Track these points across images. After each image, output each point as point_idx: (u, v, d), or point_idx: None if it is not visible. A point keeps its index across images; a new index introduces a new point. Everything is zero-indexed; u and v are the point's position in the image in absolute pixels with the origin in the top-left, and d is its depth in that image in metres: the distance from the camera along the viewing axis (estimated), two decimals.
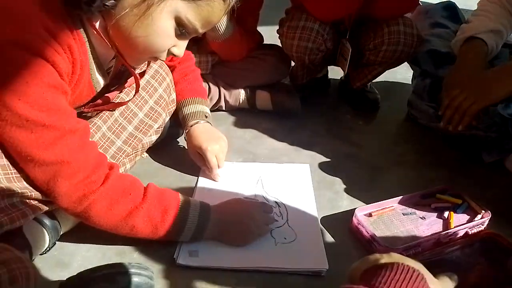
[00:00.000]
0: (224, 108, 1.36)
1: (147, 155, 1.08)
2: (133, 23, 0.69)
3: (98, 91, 0.83)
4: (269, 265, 0.80)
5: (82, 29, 0.70)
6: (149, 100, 0.97)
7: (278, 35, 1.32)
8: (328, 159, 1.16)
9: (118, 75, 0.89)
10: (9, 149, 0.67)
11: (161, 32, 0.71)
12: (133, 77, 0.85)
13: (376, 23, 1.28)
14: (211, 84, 1.32)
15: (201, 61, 1.30)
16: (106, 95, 0.88)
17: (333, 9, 1.20)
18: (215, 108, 1.35)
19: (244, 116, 1.34)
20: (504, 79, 1.03)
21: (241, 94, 1.35)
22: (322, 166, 1.12)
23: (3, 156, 0.67)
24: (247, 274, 0.79)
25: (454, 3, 1.41)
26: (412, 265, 0.45)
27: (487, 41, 1.13)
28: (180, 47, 0.77)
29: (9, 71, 0.62)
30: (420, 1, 1.31)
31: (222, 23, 1.17)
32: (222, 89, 1.33)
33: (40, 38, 0.63)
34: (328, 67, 1.55)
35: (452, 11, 1.37)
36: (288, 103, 1.32)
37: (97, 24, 0.72)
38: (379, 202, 0.93)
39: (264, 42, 1.43)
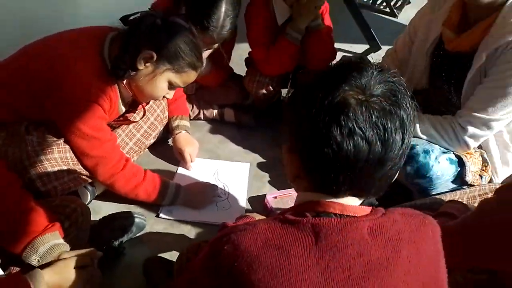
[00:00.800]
0: (202, 119, 1.97)
1: (147, 150, 1.69)
2: (145, 84, 1.28)
3: (121, 114, 1.44)
4: (212, 220, 1.43)
5: (116, 85, 1.30)
6: (151, 117, 1.58)
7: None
8: (265, 160, 1.77)
9: (133, 104, 1.48)
10: (75, 149, 1.27)
11: (160, 89, 1.31)
12: (141, 106, 1.46)
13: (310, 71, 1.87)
14: (194, 101, 1.92)
15: (188, 85, 1.88)
16: (125, 115, 1.48)
17: (277, 71, 1.81)
18: (196, 118, 1.95)
19: (215, 125, 1.95)
20: None
21: (214, 109, 1.95)
22: (259, 165, 1.74)
23: (71, 152, 1.28)
24: (198, 224, 1.42)
25: (366, 57, 1.98)
26: (256, 217, 1.06)
27: None
28: (170, 94, 1.37)
29: (80, 110, 1.22)
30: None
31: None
32: (201, 105, 1.93)
33: (96, 94, 1.22)
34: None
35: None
36: (245, 119, 1.92)
37: (124, 82, 1.31)
38: (283, 190, 1.54)
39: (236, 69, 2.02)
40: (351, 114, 0.60)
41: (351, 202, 0.68)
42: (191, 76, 1.32)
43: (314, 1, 1.65)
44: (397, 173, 0.70)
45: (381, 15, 3.10)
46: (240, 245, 0.65)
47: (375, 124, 0.61)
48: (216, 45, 1.63)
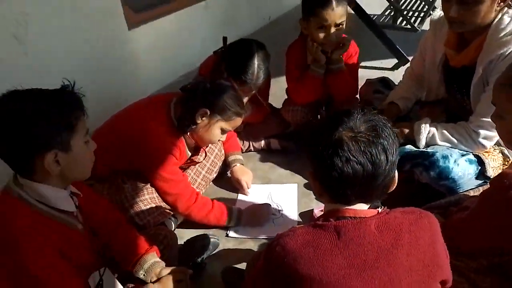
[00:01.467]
0: (253, 150, 2.30)
1: (212, 183, 2.04)
2: (203, 133, 1.65)
3: (188, 157, 1.81)
4: (271, 235, 1.72)
5: (182, 137, 1.67)
6: (211, 156, 1.94)
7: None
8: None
9: (196, 148, 1.85)
10: (158, 190, 1.65)
11: (215, 135, 1.66)
12: (202, 149, 1.82)
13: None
14: (244, 137, 2.27)
15: None
16: (191, 158, 1.85)
17: (304, 100, 2.12)
18: (247, 151, 2.29)
19: (264, 154, 2.28)
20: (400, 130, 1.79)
21: (262, 141, 2.28)
22: (305, 184, 2.02)
23: (156, 193, 1.66)
24: (260, 240, 1.72)
25: (387, 77, 2.21)
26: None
27: (400, 104, 1.93)
28: (223, 138, 1.72)
29: (158, 160, 1.60)
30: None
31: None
32: (250, 139, 2.27)
33: (169, 146, 1.60)
34: None
35: (385, 82, 2.18)
36: (288, 145, 2.23)
37: (188, 133, 1.67)
38: None
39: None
40: (346, 147, 0.88)
41: (361, 207, 0.96)
42: (238, 121, 1.67)
43: (321, 48, 1.95)
44: (393, 183, 0.96)
45: (403, 33, 3.31)
46: (286, 246, 0.93)
47: (364, 151, 0.88)
48: (253, 92, 1.97)
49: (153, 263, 1.32)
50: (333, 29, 1.89)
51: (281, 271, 0.92)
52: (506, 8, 1.44)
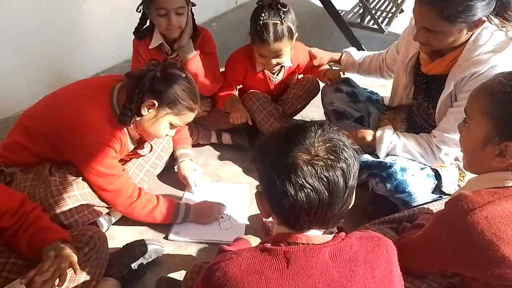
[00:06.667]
0: (201, 143, 2.14)
1: (156, 178, 1.87)
2: (149, 126, 1.47)
3: (130, 150, 1.62)
4: (215, 239, 1.60)
5: (125, 128, 1.49)
6: (157, 149, 1.76)
7: None
8: None
9: (141, 139, 1.66)
10: (93, 186, 1.46)
11: (162, 130, 1.49)
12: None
13: None
14: (193, 128, 2.09)
15: None
16: (134, 149, 1.66)
17: None
18: (196, 144, 2.12)
19: (215, 148, 2.13)
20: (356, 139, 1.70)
21: (213, 134, 2.13)
22: (257, 186, 1.89)
23: (89, 187, 1.47)
24: (202, 245, 1.59)
25: (349, 77, 2.09)
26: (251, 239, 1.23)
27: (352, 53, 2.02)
28: (172, 133, 1.55)
29: (94, 153, 1.41)
30: None
31: None
32: (200, 131, 2.11)
33: (108, 138, 1.41)
34: None
35: (347, 82, 2.05)
36: (241, 141, 2.10)
37: (131, 125, 1.49)
38: None
39: None
40: (300, 173, 0.77)
41: (315, 233, 0.85)
42: (190, 117, 1.50)
43: None
44: (350, 204, 0.86)
45: (370, 32, 3.26)
46: (227, 271, 0.81)
47: (320, 177, 0.77)
48: None
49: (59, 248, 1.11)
50: (273, 61, 1.91)
51: None
52: (486, 23, 1.36)
